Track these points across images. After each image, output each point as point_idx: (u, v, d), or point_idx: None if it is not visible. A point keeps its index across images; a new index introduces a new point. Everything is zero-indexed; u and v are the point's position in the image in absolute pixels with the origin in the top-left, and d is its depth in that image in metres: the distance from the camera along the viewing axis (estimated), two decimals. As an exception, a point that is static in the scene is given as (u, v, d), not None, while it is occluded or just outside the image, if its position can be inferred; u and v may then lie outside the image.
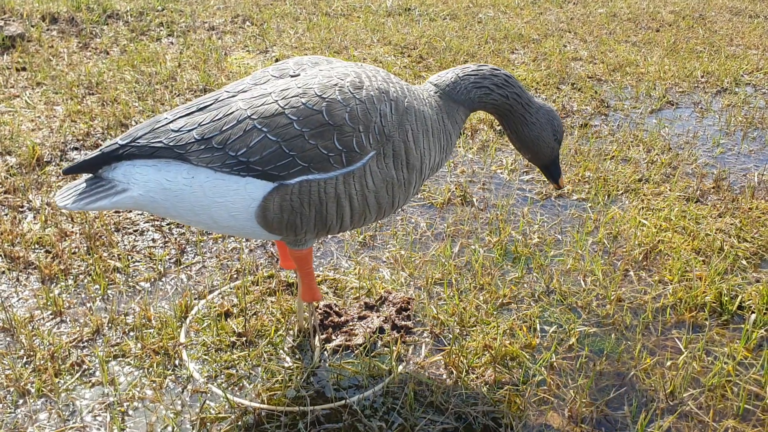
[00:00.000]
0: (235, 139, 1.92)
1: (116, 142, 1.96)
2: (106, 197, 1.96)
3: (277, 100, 1.96)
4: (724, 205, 3.56)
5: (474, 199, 3.58)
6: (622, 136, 4.43)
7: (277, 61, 5.60)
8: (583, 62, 6.04)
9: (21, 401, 2.22)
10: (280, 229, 2.05)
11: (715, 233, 3.27)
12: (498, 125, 4.53)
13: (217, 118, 1.96)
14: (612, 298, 2.80)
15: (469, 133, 4.40)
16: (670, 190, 3.72)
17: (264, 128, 1.93)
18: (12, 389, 2.25)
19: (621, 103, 5.08)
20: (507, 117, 2.33)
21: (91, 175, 2.02)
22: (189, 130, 1.95)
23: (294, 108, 1.95)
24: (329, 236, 2.12)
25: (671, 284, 2.91)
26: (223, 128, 1.94)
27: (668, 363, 2.48)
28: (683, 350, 2.54)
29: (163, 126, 1.97)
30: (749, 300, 2.80)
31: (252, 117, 1.94)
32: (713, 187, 3.77)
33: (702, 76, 5.75)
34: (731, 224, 3.37)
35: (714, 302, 2.79)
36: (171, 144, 1.93)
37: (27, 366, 2.36)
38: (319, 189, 1.99)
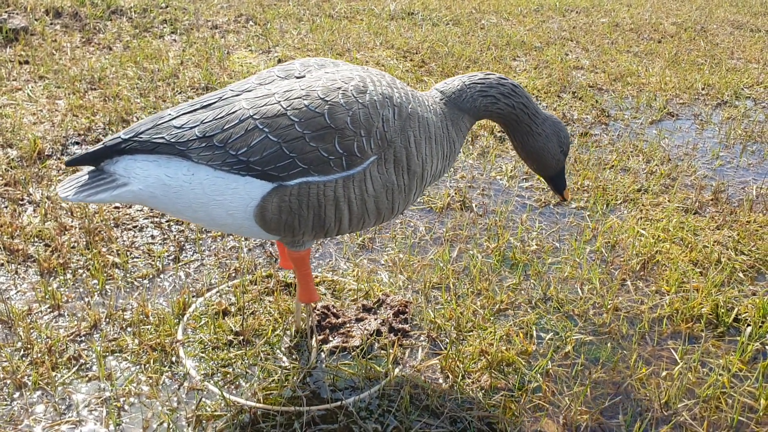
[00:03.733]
0: (236, 138, 1.93)
1: (119, 136, 1.97)
2: (107, 190, 1.96)
3: (280, 101, 1.97)
4: (722, 217, 3.58)
5: (473, 205, 3.59)
6: (622, 146, 4.45)
7: (279, 61, 5.61)
8: (585, 71, 6.07)
9: (17, 394, 2.22)
10: (278, 229, 2.05)
11: (713, 245, 3.29)
12: (499, 131, 4.54)
13: (219, 116, 1.97)
14: (609, 307, 2.81)
15: (470, 139, 4.42)
16: (668, 201, 3.73)
17: (266, 128, 1.94)
18: (9, 381, 2.25)
19: (621, 113, 5.10)
20: (513, 127, 2.32)
21: (93, 168, 2.02)
22: (191, 128, 1.95)
23: (297, 110, 1.95)
24: (328, 238, 2.13)
25: (668, 295, 2.92)
26: (225, 127, 1.95)
27: (663, 373, 2.49)
28: (679, 361, 2.55)
29: (166, 122, 1.98)
30: (745, 312, 2.82)
31: (254, 117, 1.95)
32: (712, 200, 3.79)
33: (702, 88, 5.78)
34: (729, 237, 3.39)
35: (710, 314, 2.81)
36: (173, 140, 1.94)
37: (24, 359, 2.36)
38: (318, 191, 2.00)
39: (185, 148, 1.94)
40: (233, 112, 1.96)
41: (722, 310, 2.81)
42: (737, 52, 7.14)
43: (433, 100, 2.25)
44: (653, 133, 4.75)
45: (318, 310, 2.63)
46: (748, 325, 2.74)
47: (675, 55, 6.79)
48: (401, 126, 2.07)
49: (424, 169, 2.15)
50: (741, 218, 3.57)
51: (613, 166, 4.14)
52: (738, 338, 2.68)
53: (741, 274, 3.10)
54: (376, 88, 2.06)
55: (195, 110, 2.00)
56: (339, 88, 2.01)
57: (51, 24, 6.12)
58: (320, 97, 1.97)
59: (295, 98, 1.97)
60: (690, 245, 3.29)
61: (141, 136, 1.96)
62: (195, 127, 1.95)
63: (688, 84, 5.82)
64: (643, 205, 3.68)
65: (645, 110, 5.20)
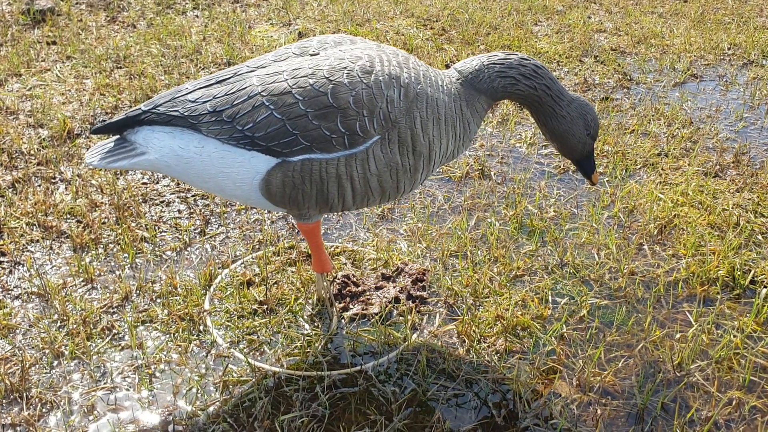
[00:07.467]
0: (243, 114, 2.02)
1: (140, 108, 2.10)
2: (127, 158, 2.10)
3: (287, 79, 2.04)
4: (743, 180, 3.57)
5: (492, 173, 3.63)
6: (643, 110, 4.43)
7: (300, 34, 5.65)
8: (608, 34, 6.00)
9: (56, 363, 2.36)
10: (283, 202, 2.14)
11: (732, 208, 3.29)
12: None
13: (230, 92, 2.06)
14: (625, 271, 2.85)
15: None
16: (689, 164, 3.73)
17: (271, 105, 2.01)
18: (47, 351, 2.39)
19: (644, 76, 5.05)
20: (535, 108, 2.29)
21: (118, 136, 2.16)
22: (203, 102, 2.06)
23: (301, 88, 2.02)
24: (338, 212, 2.19)
25: (685, 258, 2.95)
26: (234, 102, 2.04)
27: (677, 335, 2.54)
28: (693, 323, 2.59)
29: (182, 96, 2.09)
30: (762, 275, 2.84)
31: (262, 93, 2.03)
32: (733, 162, 3.77)
33: (729, 48, 5.68)
34: (749, 199, 3.39)
35: (727, 277, 2.83)
36: (186, 114, 2.05)
37: (61, 330, 2.49)
38: (321, 168, 2.06)
39: (196, 121, 2.04)
40: (243, 89, 2.05)
41: (739, 273, 2.83)
42: (767, 9, 6.98)
43: (449, 80, 2.24)
44: (676, 96, 4.71)
45: (338, 279, 2.72)
46: (765, 286, 2.76)
47: (701, 14, 6.67)
48: (407, 107, 2.08)
49: (432, 149, 2.17)
50: (762, 180, 3.56)
51: (633, 130, 4.13)
52: (753, 300, 2.70)
53: (759, 237, 3.11)
54: (384, 68, 2.07)
55: (210, 85, 2.10)
56: (345, 67, 2.04)
57: (77, 4, 6.21)
58: (325, 77, 2.02)
59: (301, 77, 2.03)
60: (709, 208, 3.30)
61: (159, 108, 2.07)
62: (207, 101, 2.05)
63: (713, 44, 5.73)
64: (662, 169, 3.69)
65: (668, 73, 5.15)
